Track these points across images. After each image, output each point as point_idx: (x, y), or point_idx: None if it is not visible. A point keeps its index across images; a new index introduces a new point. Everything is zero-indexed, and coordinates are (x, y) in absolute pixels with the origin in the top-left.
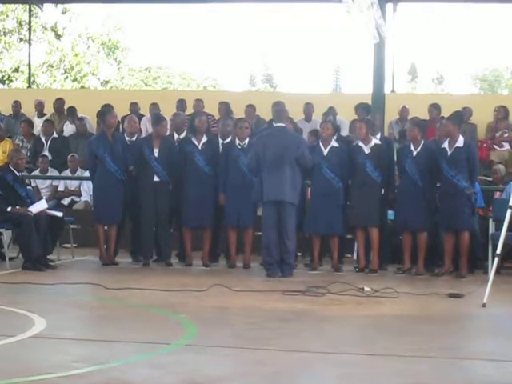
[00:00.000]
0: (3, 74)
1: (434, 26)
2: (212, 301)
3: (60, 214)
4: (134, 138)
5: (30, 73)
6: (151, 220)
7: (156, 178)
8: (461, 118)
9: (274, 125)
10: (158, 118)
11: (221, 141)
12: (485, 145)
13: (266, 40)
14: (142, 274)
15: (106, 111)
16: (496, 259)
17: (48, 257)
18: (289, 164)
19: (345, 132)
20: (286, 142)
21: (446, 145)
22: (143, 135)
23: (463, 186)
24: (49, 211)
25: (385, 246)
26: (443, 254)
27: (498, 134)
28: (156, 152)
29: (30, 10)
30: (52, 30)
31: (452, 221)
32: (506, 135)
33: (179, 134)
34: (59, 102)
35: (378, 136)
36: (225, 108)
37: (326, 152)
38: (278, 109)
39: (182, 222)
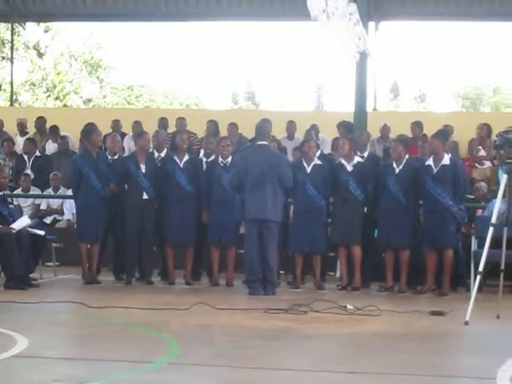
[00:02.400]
0: None
1: (416, 45)
2: (194, 319)
3: (42, 233)
4: (115, 157)
5: (12, 91)
6: (136, 238)
7: (145, 196)
8: (446, 135)
9: (257, 143)
10: (139, 132)
11: (204, 159)
12: (467, 163)
13: (249, 58)
14: (125, 293)
15: (91, 130)
16: (478, 277)
17: (30, 275)
18: (271, 182)
19: (327, 150)
20: (268, 159)
21: (430, 162)
22: (126, 154)
23: (448, 204)
24: (31, 230)
25: (367, 264)
26: (426, 272)
27: (474, 153)
28: (143, 168)
29: (13, 29)
30: (34, 48)
31: (436, 238)
32: (481, 153)
33: (160, 152)
34: (40, 121)
35: (366, 154)
36: (213, 126)
37: (309, 169)
38: (260, 126)
39: (164, 240)
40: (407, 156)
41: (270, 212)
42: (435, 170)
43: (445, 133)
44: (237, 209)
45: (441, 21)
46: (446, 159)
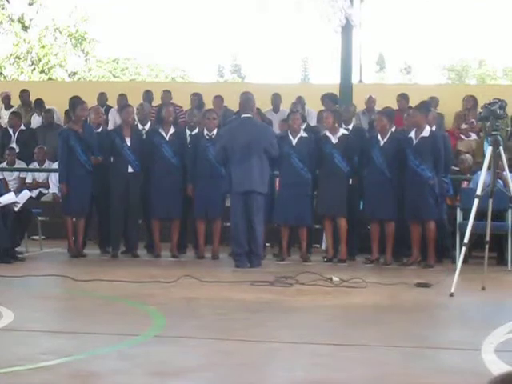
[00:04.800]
0: None
1: (402, 16)
2: (180, 292)
3: (27, 194)
4: (99, 130)
5: None
6: (121, 211)
7: (130, 169)
8: (428, 107)
9: (241, 116)
10: (122, 106)
11: (188, 132)
12: (458, 133)
13: (234, 31)
14: (111, 266)
15: (76, 103)
16: (464, 248)
17: (16, 249)
18: (257, 154)
19: (313, 122)
20: (254, 132)
21: (412, 134)
22: (110, 127)
23: (427, 176)
24: (17, 199)
25: (353, 236)
26: (411, 244)
27: (464, 126)
28: (128, 141)
29: None
30: (19, 21)
31: (417, 210)
32: (476, 124)
33: (144, 125)
34: (24, 94)
35: (350, 126)
36: (197, 99)
37: (294, 142)
38: (245, 99)
39: (150, 212)
40: (393, 128)
41: (256, 184)
42: (415, 142)
43: (427, 105)
44: (225, 182)
45: None
46: (426, 131)
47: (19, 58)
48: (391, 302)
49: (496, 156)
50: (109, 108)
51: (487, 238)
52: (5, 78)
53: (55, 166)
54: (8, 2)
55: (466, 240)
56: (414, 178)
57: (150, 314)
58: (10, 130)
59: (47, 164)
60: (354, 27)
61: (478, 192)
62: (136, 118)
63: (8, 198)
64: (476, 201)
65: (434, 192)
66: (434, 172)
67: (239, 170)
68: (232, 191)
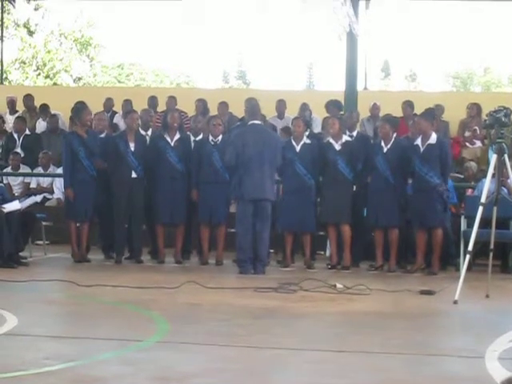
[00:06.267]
0: None
1: (407, 24)
2: (184, 298)
3: (31, 201)
4: (102, 135)
5: (1, 69)
6: (125, 217)
7: (134, 175)
8: (433, 114)
9: (249, 122)
10: (127, 111)
11: (192, 138)
12: (463, 140)
13: (240, 37)
14: (115, 271)
15: (80, 108)
16: (468, 256)
17: (20, 254)
18: (268, 162)
19: (318, 129)
20: (266, 140)
21: (418, 142)
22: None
23: (436, 182)
24: (22, 204)
25: (357, 243)
26: (415, 251)
27: (467, 134)
28: (132, 146)
29: (2, 7)
30: (24, 26)
31: (424, 218)
32: (479, 132)
33: (146, 131)
34: (28, 99)
35: (355, 133)
36: (202, 105)
37: (298, 148)
38: (251, 105)
39: (154, 218)
40: (395, 135)
41: (268, 192)
42: (422, 150)
43: (432, 112)
44: (232, 188)
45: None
46: (433, 138)
47: (24, 63)
48: (395, 309)
49: (501, 164)
50: (114, 113)
51: (491, 246)
52: (10, 82)
53: (60, 171)
54: (14, 6)
55: (470, 248)
56: (422, 185)
57: (154, 319)
58: (15, 135)
59: (52, 169)
60: (357, 37)
61: (483, 200)
62: (140, 122)
63: (13, 205)
64: (480, 208)
65: (442, 199)
66: (442, 179)
67: (252, 177)
68: (242, 198)
